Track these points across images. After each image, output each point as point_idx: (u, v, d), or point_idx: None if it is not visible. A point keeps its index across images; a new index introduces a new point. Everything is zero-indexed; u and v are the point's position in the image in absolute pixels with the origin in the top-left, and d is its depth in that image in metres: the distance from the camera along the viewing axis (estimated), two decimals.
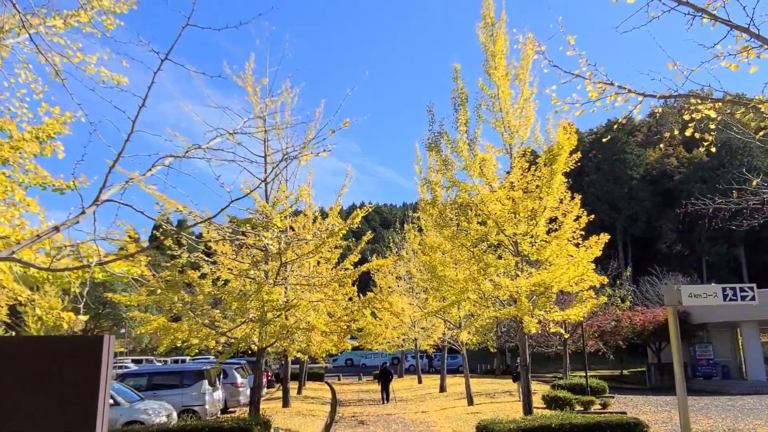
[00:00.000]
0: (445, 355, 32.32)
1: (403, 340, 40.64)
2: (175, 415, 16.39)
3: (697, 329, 35.78)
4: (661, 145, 73.26)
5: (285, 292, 15.24)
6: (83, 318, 6.31)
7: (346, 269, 16.75)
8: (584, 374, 37.36)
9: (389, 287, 33.29)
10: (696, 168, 67.93)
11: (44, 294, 53.65)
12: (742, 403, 24.19)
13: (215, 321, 16.77)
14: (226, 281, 15.74)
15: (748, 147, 67.76)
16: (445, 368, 32.02)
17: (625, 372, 43.87)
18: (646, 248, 66.06)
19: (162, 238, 6.63)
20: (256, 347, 15.97)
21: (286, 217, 17.39)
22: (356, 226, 14.43)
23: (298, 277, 15.76)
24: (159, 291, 13.60)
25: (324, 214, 21.76)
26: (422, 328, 34.08)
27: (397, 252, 36.51)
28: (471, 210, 15.58)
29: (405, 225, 31.64)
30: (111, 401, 15.54)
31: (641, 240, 68.89)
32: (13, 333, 52.82)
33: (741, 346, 34.84)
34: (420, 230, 27.06)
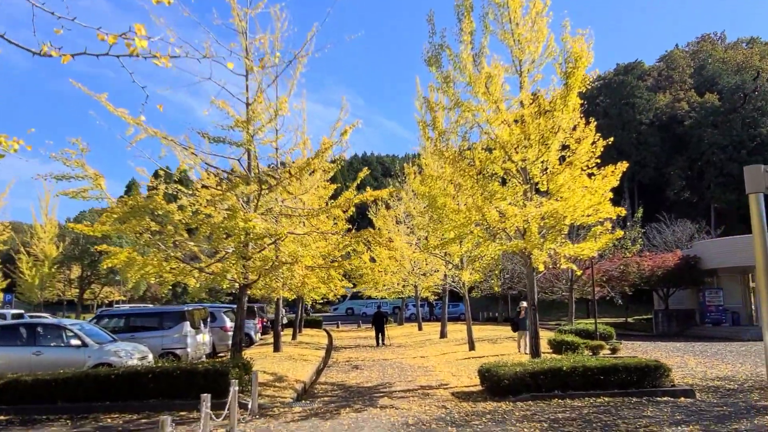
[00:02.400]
0: (446, 300, 31.05)
1: (403, 286, 39.51)
2: (150, 357, 15.09)
3: (706, 275, 34.68)
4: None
5: (268, 222, 13.65)
6: None
7: (336, 197, 15.16)
8: (591, 320, 36.43)
9: (388, 230, 31.77)
10: (707, 113, 65.55)
11: (38, 240, 52.52)
12: (757, 348, 22.99)
13: (194, 255, 15.33)
14: (208, 215, 14.21)
15: (761, 90, 65.38)
16: (446, 314, 30.80)
17: (629, 320, 42.88)
18: (653, 195, 64.22)
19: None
20: (237, 284, 14.53)
21: (276, 150, 15.77)
22: (346, 138, 12.72)
23: (283, 208, 14.18)
24: (119, 215, 12.06)
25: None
26: (423, 274, 32.81)
27: (397, 196, 34.91)
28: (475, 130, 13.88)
29: (404, 165, 29.93)
30: (78, 342, 14.22)
31: (649, 187, 67.07)
32: (9, 280, 52.07)
33: (752, 292, 33.75)
34: (420, 169, 25.40)
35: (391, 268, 34.15)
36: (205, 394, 8.07)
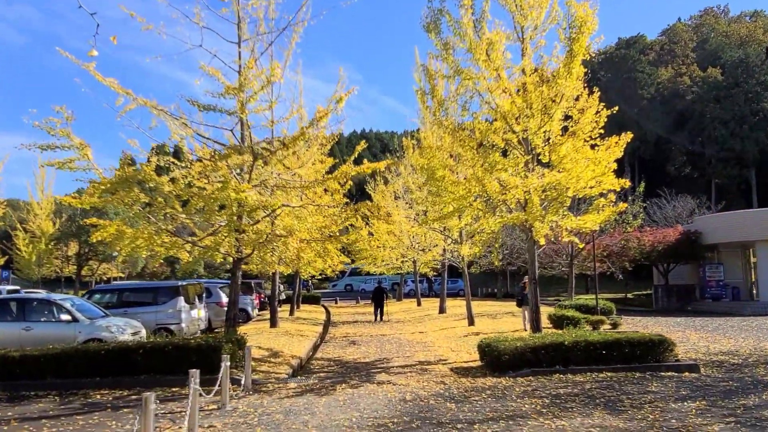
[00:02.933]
0: (445, 276, 30.78)
1: (402, 262, 39.25)
2: (143, 332, 14.79)
3: (707, 250, 34.43)
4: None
5: (262, 195, 13.23)
6: None
7: (333, 170, 14.74)
8: (590, 295, 36.24)
9: (386, 205, 31.36)
10: (710, 87, 64.82)
11: (34, 217, 52.10)
12: (758, 323, 22.76)
13: (188, 229, 14.95)
14: (201, 188, 13.79)
15: (765, 65, 64.56)
16: (444, 290, 30.54)
17: (629, 295, 42.76)
18: (654, 171, 63.71)
19: None
20: (231, 258, 14.17)
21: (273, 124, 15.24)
22: (341, 106, 12.24)
23: (278, 180, 13.75)
24: (107, 187, 11.64)
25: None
26: (422, 250, 32.52)
27: (395, 171, 34.47)
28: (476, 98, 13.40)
29: (403, 139, 29.44)
30: (68, 317, 13.90)
31: (650, 162, 66.58)
32: (6, 257, 51.76)
33: (753, 267, 33.54)
34: (418, 143, 24.92)
35: (389, 243, 33.87)
36: (194, 370, 7.75)
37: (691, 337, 18.04)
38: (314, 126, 12.38)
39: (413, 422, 8.03)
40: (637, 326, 21.92)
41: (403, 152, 29.56)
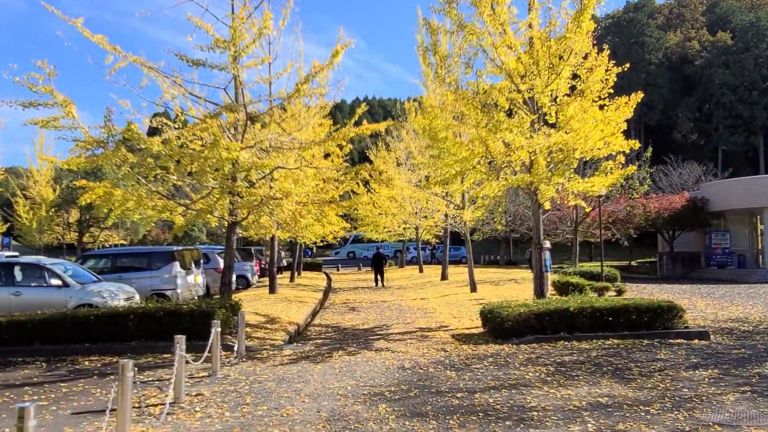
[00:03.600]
0: (447, 242, 30.35)
1: (404, 228, 38.83)
2: (137, 298, 14.40)
3: (713, 217, 33.97)
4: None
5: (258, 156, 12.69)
6: None
7: (332, 134, 14.18)
8: (594, 263, 35.85)
9: (388, 171, 30.77)
10: (719, 52, 63.41)
11: (34, 183, 51.69)
12: (765, 290, 22.42)
13: (183, 191, 14.48)
14: (192, 149, 13.23)
15: None
16: (447, 256, 30.15)
17: (633, 262, 42.39)
18: (660, 137, 62.76)
19: None
20: (226, 222, 13.72)
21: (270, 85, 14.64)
22: (337, 60, 11.61)
23: (273, 141, 13.19)
24: (92, 146, 11.11)
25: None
26: (424, 217, 32.06)
27: (397, 136, 33.84)
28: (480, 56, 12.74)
29: (405, 103, 28.74)
30: (59, 282, 13.50)
31: (656, 129, 65.58)
32: (8, 224, 51.50)
33: (760, 235, 33.08)
34: (420, 105, 24.24)
35: (391, 209, 33.40)
36: (180, 336, 7.35)
37: (698, 304, 17.65)
38: (310, 81, 11.76)
39: (411, 391, 7.65)
40: (642, 293, 21.56)
41: (406, 116, 28.89)
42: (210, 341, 8.77)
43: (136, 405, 7.17)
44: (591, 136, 12.39)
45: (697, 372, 8.41)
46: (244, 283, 26.82)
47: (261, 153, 12.57)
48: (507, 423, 6.20)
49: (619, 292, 19.87)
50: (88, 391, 8.04)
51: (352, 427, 6.18)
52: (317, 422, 6.36)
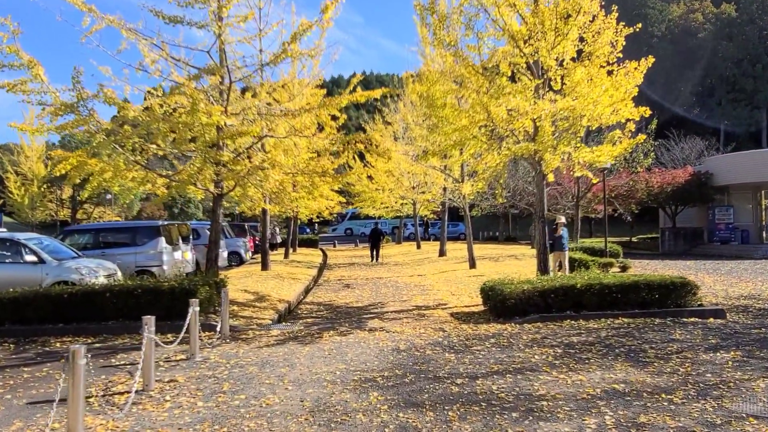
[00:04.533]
0: (446, 218, 29.59)
1: (402, 204, 38.11)
2: (119, 274, 13.66)
3: (716, 192, 33.23)
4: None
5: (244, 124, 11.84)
6: None
7: (324, 100, 13.33)
8: (594, 239, 35.18)
9: (385, 143, 29.88)
10: (723, 24, 62.11)
11: (26, 159, 50.70)
12: None
13: (168, 160, 13.67)
14: (168, 114, 12.32)
15: None
16: (445, 231, 29.42)
17: (633, 238, 41.74)
18: (662, 112, 61.77)
19: None
20: (212, 194, 12.92)
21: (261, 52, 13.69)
22: (327, 17, 10.71)
23: (260, 108, 12.35)
24: (61, 112, 10.25)
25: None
26: (422, 192, 31.31)
27: (394, 108, 32.90)
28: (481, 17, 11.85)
29: (403, 74, 27.78)
30: (34, 258, 12.74)
31: (657, 103, 64.45)
32: (0, 201, 50.58)
33: (764, 209, 32.42)
34: (417, 76, 23.29)
35: (388, 184, 32.64)
36: (148, 317, 6.61)
37: (706, 281, 16.97)
38: (298, 40, 10.86)
39: (406, 376, 6.94)
40: (646, 269, 20.90)
41: (403, 88, 27.96)
42: (187, 321, 8.04)
43: (100, 393, 6.48)
44: (601, 101, 11.58)
45: (718, 354, 7.71)
46: (237, 260, 26.14)
47: (249, 123, 11.72)
48: (513, 415, 5.49)
49: (624, 268, 19.19)
50: (51, 377, 7.31)
51: (339, 419, 5.47)
52: (299, 414, 5.65)
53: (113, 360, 8.17)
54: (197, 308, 8.20)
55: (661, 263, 24.43)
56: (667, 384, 6.39)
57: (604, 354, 7.84)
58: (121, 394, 6.47)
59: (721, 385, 6.30)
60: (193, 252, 19.46)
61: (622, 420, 5.29)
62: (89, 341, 9.68)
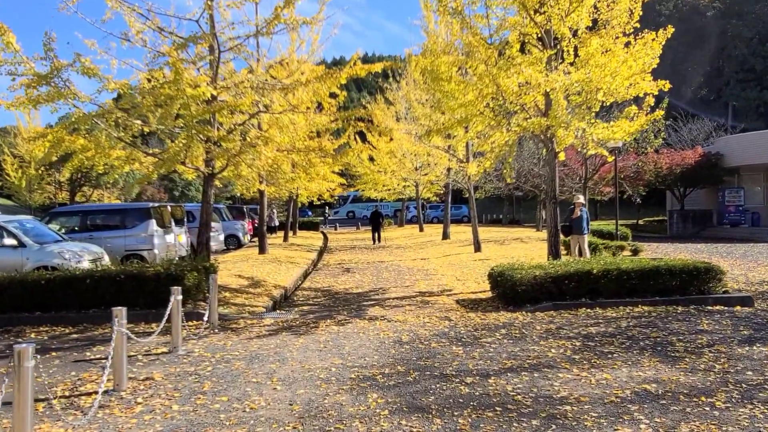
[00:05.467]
0: (449, 199, 28.80)
1: (404, 186, 37.34)
2: (106, 259, 12.95)
3: (727, 173, 32.40)
4: None
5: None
6: None
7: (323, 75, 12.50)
8: (600, 222, 34.39)
9: (387, 124, 29.02)
10: (732, 2, 60.74)
11: (23, 141, 49.88)
12: None
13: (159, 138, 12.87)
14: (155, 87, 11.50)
15: None
16: (448, 213, 28.63)
17: (640, 221, 40.93)
18: (669, 92, 60.66)
19: None
20: (202, 174, 12.15)
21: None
22: None
23: (253, 81, 11.52)
24: (33, 82, 9.44)
25: None
26: (424, 174, 30.51)
27: (397, 87, 31.96)
28: None
29: (405, 51, 26.85)
30: (13, 242, 12.01)
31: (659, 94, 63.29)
32: None
33: None
34: (422, 53, 22.36)
35: (390, 166, 31.86)
36: (118, 308, 5.91)
37: (722, 265, 16.11)
38: (292, 5, 10.00)
39: (409, 374, 6.21)
40: (656, 253, 20.16)
41: (406, 66, 27.05)
42: (168, 311, 7.30)
43: (66, 394, 5.77)
44: (620, 73, 10.74)
45: (755, 348, 6.96)
46: (235, 243, 25.43)
47: (237, 92, 10.90)
48: (533, 422, 4.76)
49: (635, 252, 18.42)
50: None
51: (332, 427, 4.74)
52: (287, 420, 4.92)
53: (88, 353, 7.46)
54: (180, 296, 7.47)
55: (671, 246, 23.66)
56: (705, 384, 5.65)
57: (628, 347, 7.10)
58: (89, 394, 5.75)
59: (766, 386, 5.56)
60: (188, 235, 18.73)
61: (660, 430, 4.56)
62: (67, 331, 8.97)
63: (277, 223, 34.76)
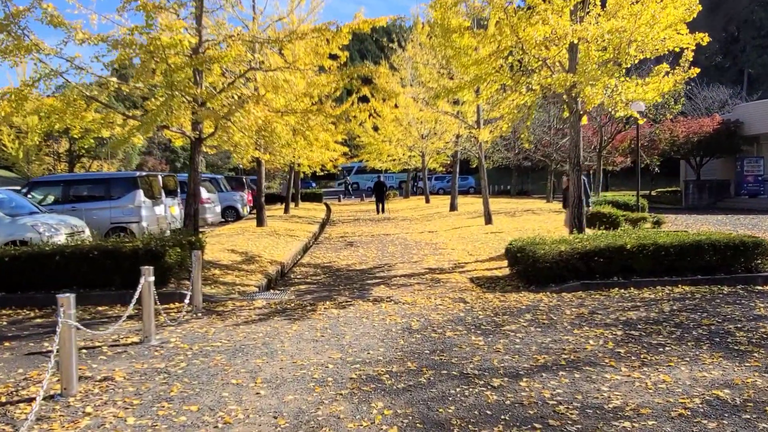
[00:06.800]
0: (457, 169, 27.55)
1: (410, 156, 36.11)
2: (87, 232, 11.87)
3: (746, 142, 31.10)
4: None
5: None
6: None
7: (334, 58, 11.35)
8: (613, 192, 33.13)
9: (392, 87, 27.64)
10: None
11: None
12: None
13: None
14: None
15: None
16: (456, 184, 27.41)
17: (653, 192, 39.67)
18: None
19: None
20: (189, 139, 10.99)
21: None
22: None
23: (243, 34, 10.31)
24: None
25: None
26: (432, 142, 29.25)
27: (402, 51, 30.49)
28: None
29: (410, 10, 25.38)
30: None
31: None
32: None
33: None
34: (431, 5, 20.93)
35: (396, 134, 30.60)
36: (65, 296, 4.82)
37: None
38: None
39: (422, 373, 5.13)
40: (678, 225, 19.05)
41: (411, 31, 25.66)
42: (138, 293, 6.22)
43: (2, 400, 4.72)
44: (659, 21, 9.46)
45: None
46: (234, 215, 24.38)
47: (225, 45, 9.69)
48: None
49: (657, 223, 17.25)
50: None
51: None
52: None
53: (46, 343, 6.40)
54: (151, 278, 6.36)
55: (690, 218, 22.53)
56: None
57: (679, 338, 6.00)
58: (31, 400, 4.69)
59: None
60: (181, 207, 17.63)
61: None
62: (32, 315, 7.94)
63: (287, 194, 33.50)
